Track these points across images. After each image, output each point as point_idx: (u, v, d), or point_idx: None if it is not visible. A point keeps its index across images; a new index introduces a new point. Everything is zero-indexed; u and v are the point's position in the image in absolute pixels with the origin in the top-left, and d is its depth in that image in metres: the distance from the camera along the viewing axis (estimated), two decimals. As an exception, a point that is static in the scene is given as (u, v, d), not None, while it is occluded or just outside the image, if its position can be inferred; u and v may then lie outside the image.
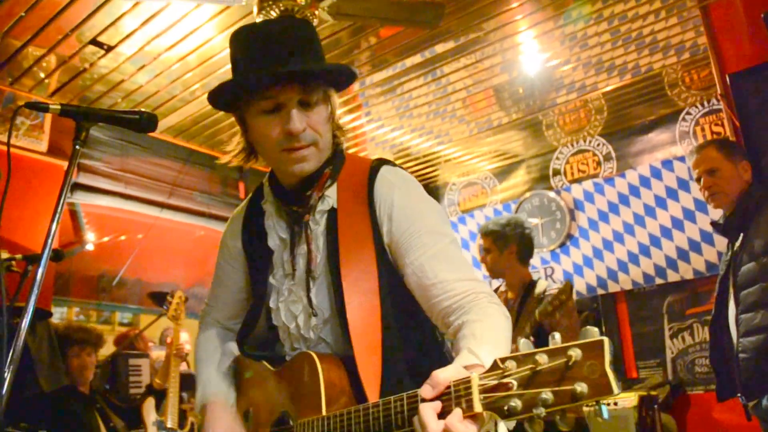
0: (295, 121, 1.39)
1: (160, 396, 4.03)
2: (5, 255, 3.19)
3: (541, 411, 0.83)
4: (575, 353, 0.83)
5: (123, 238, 5.67)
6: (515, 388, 0.87)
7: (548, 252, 5.72)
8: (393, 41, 4.31)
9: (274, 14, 3.46)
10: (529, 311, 3.33)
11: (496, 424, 1.02)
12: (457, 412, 0.94)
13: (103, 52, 4.22)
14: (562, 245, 5.69)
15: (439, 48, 4.42)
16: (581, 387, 0.80)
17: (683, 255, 4.96)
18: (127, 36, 4.06)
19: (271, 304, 1.59)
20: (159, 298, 4.90)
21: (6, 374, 1.27)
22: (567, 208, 5.70)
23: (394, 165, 1.58)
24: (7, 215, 1.36)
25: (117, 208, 5.25)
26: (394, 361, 1.41)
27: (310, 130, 1.42)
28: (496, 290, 3.68)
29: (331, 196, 1.53)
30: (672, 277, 4.99)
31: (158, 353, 5.23)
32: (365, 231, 1.47)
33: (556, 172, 5.96)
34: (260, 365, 1.65)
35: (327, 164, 1.52)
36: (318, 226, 1.53)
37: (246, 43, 1.47)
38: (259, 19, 3.51)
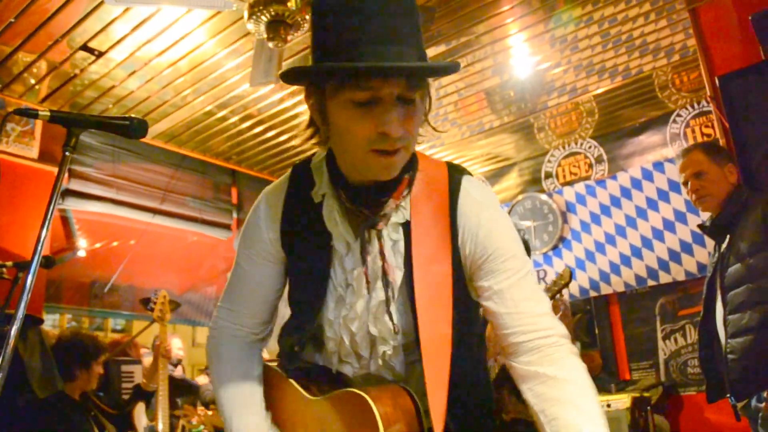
0: (394, 123, 1.18)
1: (149, 399, 4.01)
2: (-4, 262, 3.18)
3: None
4: None
5: (115, 244, 5.65)
6: None
7: (541, 255, 5.74)
8: (384, 45, 4.31)
9: (264, 19, 3.46)
10: None
11: None
12: None
13: (93, 57, 4.21)
14: (554, 248, 5.71)
15: (430, 51, 4.42)
16: None
17: (675, 256, 4.98)
18: (118, 42, 4.06)
19: (330, 315, 1.40)
20: (147, 303, 4.89)
21: (-4, 381, 1.26)
22: (559, 210, 5.71)
23: (471, 175, 1.44)
24: (-3, 222, 1.36)
25: (109, 214, 5.22)
26: (459, 391, 1.31)
27: (404, 131, 1.21)
28: None
29: (406, 207, 1.35)
30: (664, 278, 5.01)
31: (150, 360, 5.21)
32: (444, 251, 1.31)
33: (548, 175, 5.98)
34: (289, 384, 1.47)
35: (406, 170, 1.33)
36: (391, 239, 1.35)
37: (339, 14, 1.20)
38: (249, 25, 3.51)
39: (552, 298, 3.12)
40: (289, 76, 1.25)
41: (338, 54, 1.18)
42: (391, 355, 1.39)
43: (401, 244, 1.34)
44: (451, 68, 1.28)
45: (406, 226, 1.34)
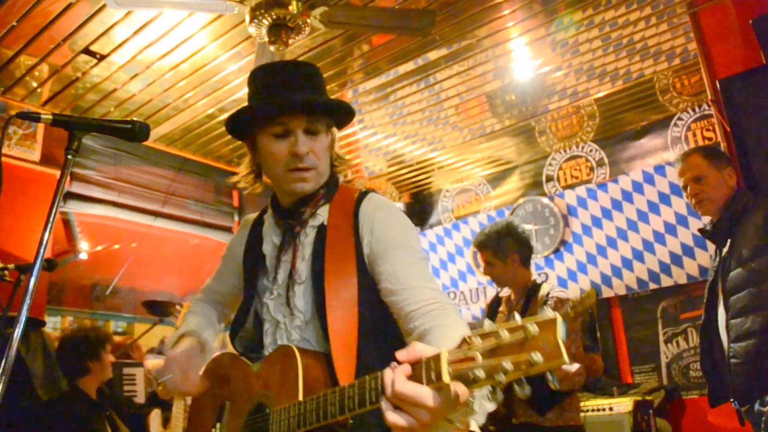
0: (300, 144, 1.62)
1: (165, 405, 3.99)
2: (-2, 265, 3.19)
3: (502, 377, 0.92)
4: (532, 328, 0.91)
5: (117, 246, 5.66)
6: (479, 359, 0.95)
7: (542, 258, 5.74)
8: (385, 49, 4.32)
9: (266, 22, 3.48)
10: (530, 312, 3.33)
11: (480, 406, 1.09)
12: (425, 386, 1.02)
13: (95, 61, 4.23)
14: (556, 251, 5.70)
15: (432, 55, 4.44)
16: (536, 356, 0.89)
17: (676, 260, 4.97)
18: (120, 45, 4.07)
19: (265, 299, 1.74)
20: (153, 307, 4.88)
21: (-1, 384, 1.27)
22: (560, 214, 5.71)
23: (381, 196, 1.78)
24: (0, 225, 1.36)
25: (110, 216, 5.23)
26: (368, 362, 1.50)
27: (312, 155, 1.65)
28: (497, 296, 3.68)
29: (322, 215, 1.71)
30: (666, 281, 5.01)
31: (153, 362, 5.21)
32: (349, 245, 1.63)
33: (549, 178, 5.98)
34: (239, 360, 1.78)
35: (321, 187, 1.72)
36: (307, 237, 1.71)
37: (262, 79, 1.71)
38: (251, 29, 3.53)
39: (576, 318, 3.08)
40: (230, 128, 1.75)
41: (264, 103, 1.67)
42: (304, 329, 1.65)
43: (313, 239, 1.69)
44: (343, 106, 1.74)
45: (322, 229, 1.69)
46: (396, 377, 1.05)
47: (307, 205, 1.71)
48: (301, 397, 1.41)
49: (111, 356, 3.85)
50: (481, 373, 0.94)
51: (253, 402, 1.62)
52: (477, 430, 1.25)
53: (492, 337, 0.95)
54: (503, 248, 3.45)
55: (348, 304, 1.57)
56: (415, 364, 1.06)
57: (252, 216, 1.96)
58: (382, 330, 1.61)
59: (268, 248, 1.78)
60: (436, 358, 1.02)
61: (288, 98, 1.64)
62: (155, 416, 3.96)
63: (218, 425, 1.74)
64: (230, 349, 1.87)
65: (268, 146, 1.66)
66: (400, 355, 1.08)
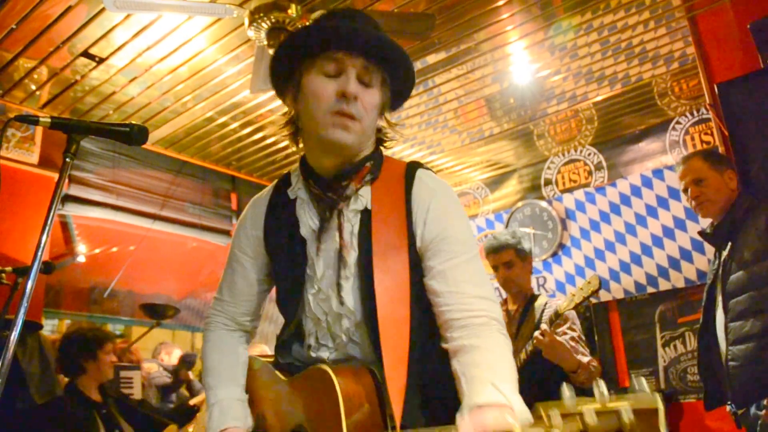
0: (351, 84, 1.42)
1: (182, 421, 3.98)
2: (-5, 267, 3.18)
3: None
4: (628, 418, 0.78)
5: (115, 249, 5.66)
6: None
7: (540, 262, 5.74)
8: (384, 52, 4.32)
9: (265, 26, 3.48)
10: (530, 321, 3.35)
11: None
12: None
13: (94, 64, 4.23)
14: (554, 255, 5.70)
15: (431, 59, 4.44)
16: None
17: (674, 264, 4.98)
18: (119, 48, 4.07)
19: (304, 293, 1.54)
20: (151, 310, 4.88)
21: (-5, 387, 1.26)
22: (558, 217, 5.72)
23: (429, 169, 1.59)
24: (-3, 227, 1.37)
25: (108, 219, 5.23)
26: (418, 371, 1.41)
27: (361, 104, 1.44)
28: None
29: (365, 197, 1.50)
30: (663, 285, 5.01)
31: (149, 365, 5.20)
32: (401, 235, 1.45)
33: (548, 182, 5.99)
34: (273, 372, 1.63)
35: (367, 159, 1.52)
36: (351, 225, 1.49)
37: (323, 18, 1.56)
38: (250, 32, 3.53)
39: (579, 304, 3.09)
40: (277, 68, 1.53)
41: (312, 35, 1.46)
42: (353, 332, 1.49)
43: (357, 228, 1.48)
44: (405, 58, 1.49)
45: (367, 213, 1.48)
46: None
47: (350, 177, 1.49)
48: (344, 428, 1.30)
49: (111, 356, 3.83)
50: None
51: (291, 424, 1.51)
52: None
53: (576, 418, 0.81)
54: (523, 249, 3.50)
55: (399, 307, 1.41)
56: None
57: (262, 195, 1.70)
58: (433, 331, 1.46)
59: (306, 231, 1.54)
60: None
61: (343, 30, 1.45)
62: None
63: None
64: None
65: (314, 83, 1.45)
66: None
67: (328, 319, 1.51)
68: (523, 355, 3.12)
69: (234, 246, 1.70)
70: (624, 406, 0.77)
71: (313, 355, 1.54)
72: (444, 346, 1.40)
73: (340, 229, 1.48)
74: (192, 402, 4.08)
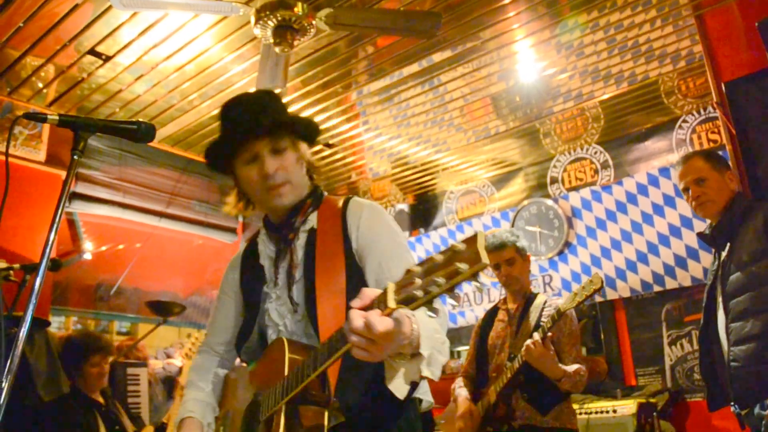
0: (268, 165, 1.73)
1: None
2: (3, 265, 3.20)
3: (434, 289, 1.03)
4: (460, 246, 1.03)
5: (121, 247, 5.66)
6: (417, 281, 1.07)
7: (546, 260, 5.73)
8: (390, 50, 4.32)
9: (271, 24, 3.48)
10: (529, 319, 3.36)
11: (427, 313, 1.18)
12: (375, 311, 1.16)
13: (101, 62, 4.24)
14: (560, 253, 5.69)
15: (437, 57, 4.44)
16: (462, 265, 1.00)
17: (681, 262, 4.96)
18: (125, 46, 4.08)
19: (266, 306, 1.83)
20: (157, 307, 4.89)
21: (4, 383, 1.27)
22: (565, 216, 5.70)
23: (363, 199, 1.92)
24: (5, 225, 1.37)
25: (115, 217, 5.25)
26: (350, 370, 1.58)
27: (281, 171, 1.75)
28: (495, 305, 3.70)
29: (312, 221, 1.84)
30: (670, 284, 4.99)
31: (155, 362, 5.21)
32: (338, 243, 1.76)
33: (554, 180, 5.98)
34: (241, 368, 1.92)
35: (307, 197, 1.86)
36: (299, 241, 1.83)
37: (224, 114, 1.85)
38: (256, 30, 3.54)
39: (582, 303, 3.13)
40: (212, 165, 1.90)
41: (227, 134, 1.82)
42: (305, 325, 1.74)
43: (305, 242, 1.81)
44: (297, 120, 1.88)
45: (313, 233, 1.82)
46: (352, 318, 1.19)
47: (297, 214, 1.83)
48: (286, 373, 1.54)
49: (98, 369, 3.83)
50: (418, 292, 1.06)
51: (249, 397, 1.75)
52: (430, 374, 1.39)
53: (428, 261, 1.07)
54: (523, 247, 3.52)
55: (337, 296, 1.67)
56: (369, 306, 1.20)
57: (237, 254, 2.08)
58: None
59: (265, 261, 1.90)
60: (384, 292, 1.16)
61: (244, 125, 1.76)
62: None
63: (221, 429, 1.90)
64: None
65: (243, 173, 1.79)
66: (354, 302, 1.23)
67: (285, 321, 1.78)
68: (516, 364, 3.17)
69: (219, 291, 2.07)
70: (456, 242, 1.04)
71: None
72: None
73: (290, 250, 1.82)
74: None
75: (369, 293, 1.22)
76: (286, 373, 1.54)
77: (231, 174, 1.87)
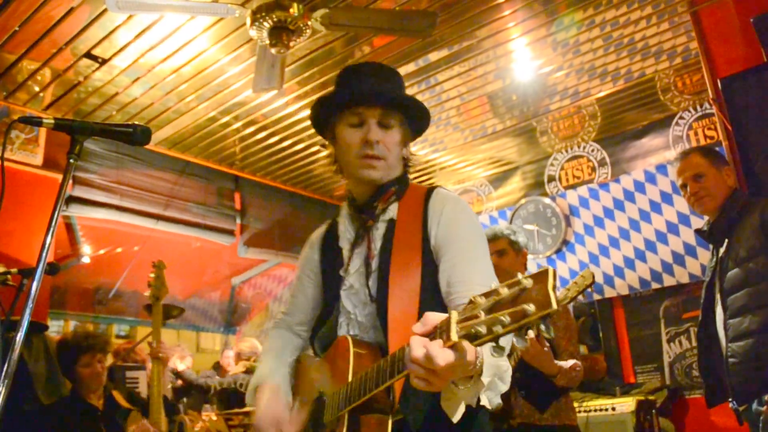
0: (372, 132, 1.73)
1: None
2: (0, 269, 3.19)
3: (500, 329, 0.98)
4: (527, 282, 0.97)
5: (119, 250, 5.67)
6: (482, 316, 1.02)
7: (544, 258, 5.74)
8: (386, 50, 4.32)
9: (267, 25, 3.48)
10: None
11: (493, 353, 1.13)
12: (437, 342, 1.10)
13: (97, 65, 4.24)
14: (558, 251, 5.70)
15: (433, 56, 4.44)
16: (529, 306, 0.95)
17: (679, 259, 4.97)
18: (121, 49, 4.08)
19: (339, 292, 1.81)
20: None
21: (1, 387, 1.27)
22: (562, 214, 5.71)
23: (448, 190, 1.88)
24: (2, 229, 1.37)
25: (113, 220, 5.24)
26: None
27: (383, 145, 1.75)
28: None
29: (392, 210, 1.80)
30: (668, 281, 5.00)
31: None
32: (416, 237, 1.72)
33: (551, 179, 5.98)
34: (308, 358, 1.92)
35: (393, 183, 1.82)
36: (378, 231, 1.80)
37: (343, 75, 1.86)
38: (252, 32, 3.54)
39: (573, 299, 3.13)
40: (315, 117, 1.88)
41: (341, 92, 1.82)
42: (374, 318, 1.71)
43: (383, 233, 1.78)
44: (415, 103, 1.82)
45: (393, 222, 1.78)
46: (413, 346, 1.13)
47: (379, 199, 1.80)
48: (350, 379, 1.53)
49: (91, 368, 3.73)
50: (482, 329, 1.00)
51: (314, 394, 1.75)
52: (486, 402, 1.36)
53: (493, 294, 1.02)
54: (517, 241, 3.51)
55: (410, 294, 1.63)
56: (431, 333, 1.15)
57: (318, 230, 2.06)
58: None
59: (344, 243, 1.88)
60: (446, 321, 1.10)
61: (363, 88, 1.77)
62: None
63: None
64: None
65: (343, 134, 1.78)
66: (416, 328, 1.17)
67: (356, 311, 1.76)
68: (512, 362, 3.17)
69: (298, 268, 2.05)
70: (525, 276, 0.99)
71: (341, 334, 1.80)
72: None
73: (368, 240, 1.79)
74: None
75: (431, 319, 1.16)
76: (349, 378, 1.54)
77: (329, 135, 1.87)
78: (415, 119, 1.85)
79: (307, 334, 2.01)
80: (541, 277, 0.96)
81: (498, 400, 1.41)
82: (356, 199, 1.87)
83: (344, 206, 1.94)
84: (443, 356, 1.09)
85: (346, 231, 1.88)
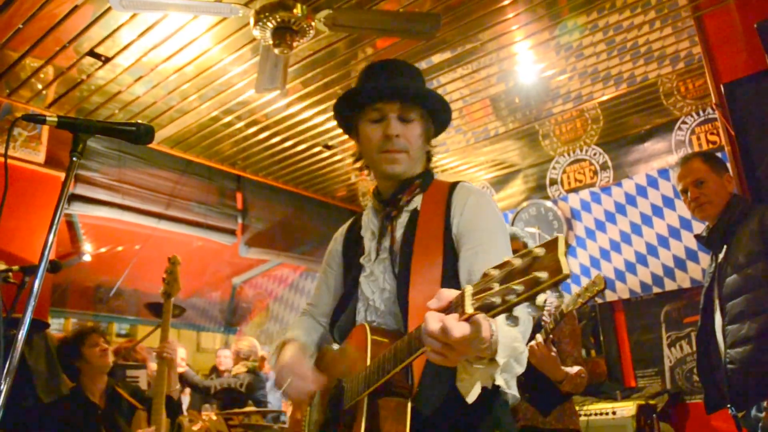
0: (392, 127, 1.76)
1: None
2: (2, 266, 3.19)
3: (513, 298, 0.99)
4: (539, 251, 0.98)
5: (120, 248, 5.68)
6: (496, 288, 1.03)
7: (545, 261, 5.73)
8: (389, 52, 4.32)
9: (270, 25, 3.49)
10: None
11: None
12: (453, 315, 1.11)
13: (100, 63, 4.24)
14: (559, 254, 5.69)
15: (436, 58, 4.44)
16: (542, 274, 0.95)
17: (680, 264, 4.97)
18: (125, 47, 4.08)
19: (360, 279, 1.84)
20: (156, 309, 4.88)
21: (2, 385, 1.27)
22: (564, 217, 5.71)
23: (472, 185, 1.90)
24: (5, 226, 1.37)
25: (114, 219, 5.24)
26: None
27: (404, 139, 1.77)
28: None
29: (416, 202, 1.83)
30: (669, 285, 5.00)
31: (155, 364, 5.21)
32: (439, 227, 1.74)
33: (553, 182, 5.98)
34: (328, 348, 1.95)
35: (417, 177, 1.85)
36: (401, 219, 1.83)
37: (364, 72, 1.91)
38: (255, 31, 3.55)
39: (584, 304, 3.13)
40: (338, 113, 1.92)
41: (358, 92, 1.84)
42: (392, 305, 1.73)
43: (406, 222, 1.81)
44: (434, 96, 1.83)
45: (415, 214, 1.80)
46: (429, 321, 1.14)
47: (404, 191, 1.83)
48: (368, 363, 1.55)
49: (100, 346, 3.65)
50: (497, 300, 1.01)
51: (334, 381, 1.76)
52: (503, 383, 1.38)
53: (506, 265, 1.03)
54: (518, 238, 3.51)
55: (431, 282, 1.64)
56: (447, 308, 1.16)
57: (344, 226, 2.11)
58: None
59: (367, 233, 1.91)
60: (461, 295, 1.11)
61: (380, 84, 1.81)
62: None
63: (308, 409, 1.92)
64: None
65: (365, 131, 1.81)
66: (431, 303, 1.18)
67: (374, 297, 1.78)
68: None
69: (324, 261, 2.09)
70: (537, 245, 0.99)
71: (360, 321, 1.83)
72: None
73: (391, 229, 1.82)
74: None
75: (446, 294, 1.18)
76: (368, 362, 1.55)
77: (353, 132, 1.91)
78: (436, 112, 1.86)
79: (326, 324, 2.04)
80: (551, 245, 0.97)
81: (514, 383, 1.42)
82: (382, 193, 1.90)
83: (370, 200, 1.98)
84: (459, 329, 1.10)
85: (369, 222, 1.92)
